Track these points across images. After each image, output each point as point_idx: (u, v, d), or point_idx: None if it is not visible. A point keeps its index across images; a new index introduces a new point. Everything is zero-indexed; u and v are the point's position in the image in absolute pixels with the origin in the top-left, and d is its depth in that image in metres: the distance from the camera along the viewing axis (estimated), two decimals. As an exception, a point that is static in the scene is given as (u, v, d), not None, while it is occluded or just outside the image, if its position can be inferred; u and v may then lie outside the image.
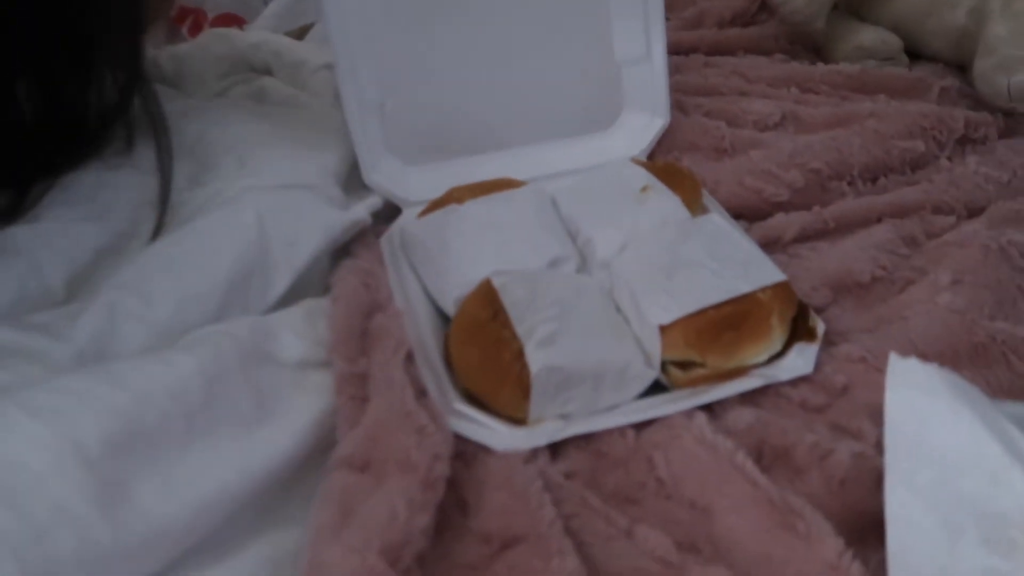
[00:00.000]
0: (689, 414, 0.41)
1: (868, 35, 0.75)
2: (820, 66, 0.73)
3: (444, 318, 0.49)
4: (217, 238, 0.44)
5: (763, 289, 0.44)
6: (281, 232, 0.46)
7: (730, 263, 0.46)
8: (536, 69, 0.61)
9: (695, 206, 0.53)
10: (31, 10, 0.42)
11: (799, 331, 0.45)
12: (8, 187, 0.46)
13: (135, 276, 0.41)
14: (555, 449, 0.41)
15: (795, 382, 0.43)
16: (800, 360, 0.44)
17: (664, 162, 0.57)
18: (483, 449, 0.40)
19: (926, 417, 0.33)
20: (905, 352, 0.44)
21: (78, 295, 0.42)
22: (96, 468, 0.30)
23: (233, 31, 0.70)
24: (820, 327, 0.45)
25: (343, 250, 0.53)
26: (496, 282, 0.46)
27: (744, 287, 0.44)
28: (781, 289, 0.45)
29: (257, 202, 0.47)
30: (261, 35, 0.70)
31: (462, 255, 0.50)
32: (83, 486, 0.30)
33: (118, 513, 0.30)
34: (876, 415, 0.41)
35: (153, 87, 0.50)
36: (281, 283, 0.46)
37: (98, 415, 0.32)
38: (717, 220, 0.49)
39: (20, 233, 0.43)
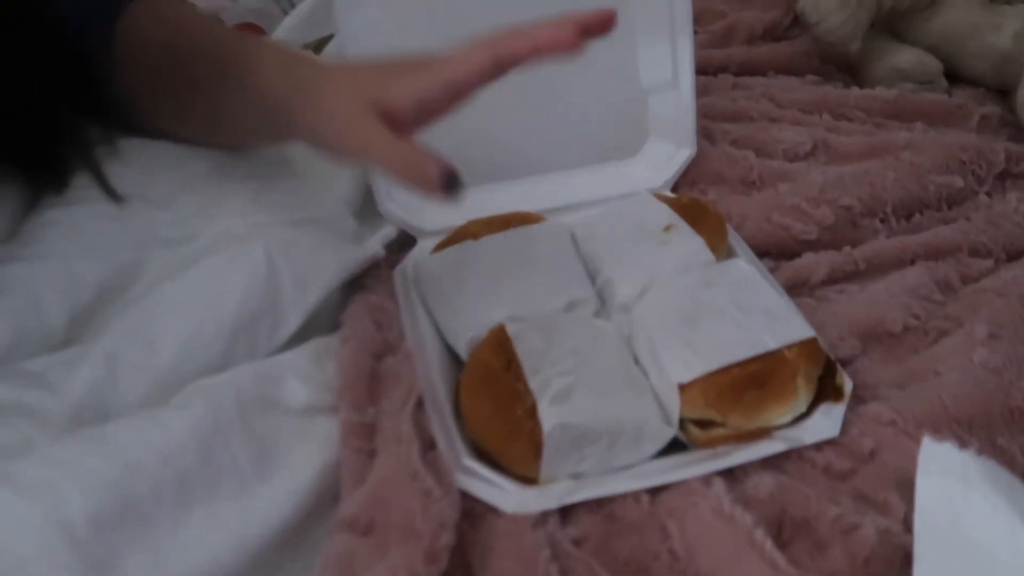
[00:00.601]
0: (707, 480, 0.39)
1: (906, 56, 0.72)
2: (855, 90, 0.70)
3: (457, 359, 0.47)
4: (224, 279, 0.43)
5: (789, 346, 0.43)
6: (292, 271, 0.45)
7: (755, 314, 0.44)
8: (558, 95, 0.59)
9: (720, 247, 0.51)
10: None
11: (825, 389, 0.43)
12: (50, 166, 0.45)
13: (138, 321, 0.40)
14: (565, 512, 0.39)
15: (820, 445, 0.42)
16: (826, 422, 0.42)
17: (689, 198, 0.55)
18: (491, 510, 0.39)
19: (960, 509, 0.31)
20: (937, 415, 0.43)
21: (79, 335, 0.41)
22: (82, 549, 0.29)
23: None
24: (848, 385, 0.43)
25: (355, 281, 0.52)
26: (511, 330, 0.44)
27: (770, 343, 0.43)
28: (808, 346, 0.43)
29: (268, 240, 0.45)
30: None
31: (477, 295, 0.48)
32: (69, 571, 0.29)
33: None
34: (904, 486, 0.39)
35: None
36: (292, 323, 0.45)
37: (87, 490, 0.31)
38: (743, 266, 0.47)
39: (20, 271, 0.42)
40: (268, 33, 0.77)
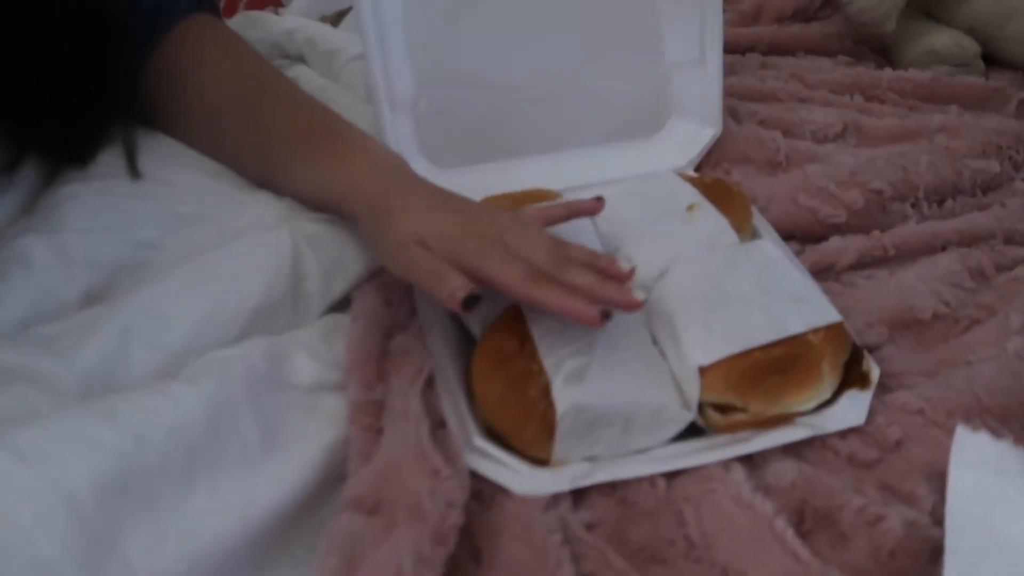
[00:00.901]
0: (726, 465, 0.38)
1: (941, 38, 0.70)
2: (887, 71, 0.68)
3: (470, 338, 0.46)
4: (249, 264, 0.42)
5: (815, 330, 0.41)
6: (319, 262, 0.45)
7: (780, 298, 0.43)
8: (579, 69, 0.58)
9: (744, 228, 0.49)
10: None
11: (851, 376, 0.42)
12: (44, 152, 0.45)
13: (155, 296, 0.40)
14: (578, 495, 0.38)
15: (844, 433, 0.40)
16: (851, 410, 0.40)
17: (713, 178, 0.53)
18: (501, 490, 0.38)
19: (995, 500, 0.30)
20: (969, 406, 0.41)
21: (92, 307, 0.40)
22: (85, 520, 0.28)
23: (268, 15, 0.68)
24: (875, 373, 0.42)
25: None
26: (525, 308, 0.43)
27: (794, 327, 0.41)
28: (834, 331, 0.41)
29: (296, 230, 0.45)
30: (296, 20, 0.67)
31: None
32: (69, 542, 0.28)
33: (105, 574, 0.28)
34: (933, 477, 0.37)
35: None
36: (313, 312, 0.45)
37: (93, 459, 0.30)
38: (768, 248, 0.45)
39: (37, 244, 0.41)
40: (285, 5, 0.75)
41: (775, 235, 0.51)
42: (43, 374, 0.35)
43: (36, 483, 0.28)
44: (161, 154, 0.47)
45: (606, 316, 0.38)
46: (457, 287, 0.39)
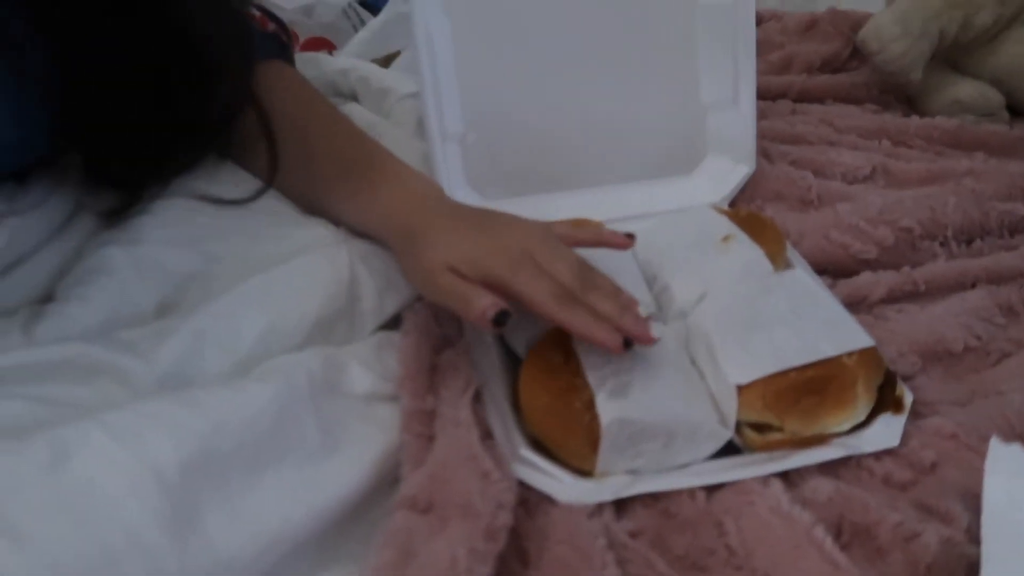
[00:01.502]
0: (764, 480, 0.39)
1: (967, 89, 0.72)
2: (915, 119, 0.70)
3: (515, 357, 0.48)
4: (311, 282, 0.45)
5: (849, 354, 0.42)
6: (375, 281, 0.47)
7: (814, 323, 0.44)
8: (620, 108, 0.61)
9: (778, 259, 0.51)
10: (154, 27, 0.44)
11: (885, 400, 0.43)
12: (123, 188, 0.48)
13: (228, 305, 0.42)
14: (620, 505, 0.40)
15: (879, 455, 0.41)
16: (886, 432, 0.42)
17: (747, 211, 0.55)
18: (547, 499, 0.39)
19: (1029, 510, 0.31)
20: (1002, 431, 0.42)
21: (167, 316, 0.43)
22: (172, 493, 0.31)
23: (323, 56, 0.72)
24: (908, 397, 0.43)
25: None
26: (569, 325, 0.45)
27: (829, 350, 0.42)
28: (868, 355, 0.43)
29: (354, 249, 0.48)
30: (350, 61, 0.71)
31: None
32: (157, 512, 0.30)
33: (187, 544, 0.30)
34: (968, 498, 0.38)
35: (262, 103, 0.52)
36: (367, 328, 0.47)
37: (178, 439, 0.32)
38: (801, 276, 0.47)
39: (117, 255, 0.44)
40: (338, 47, 0.80)
41: (808, 267, 0.52)
42: (125, 371, 0.37)
43: (128, 457, 0.31)
44: (230, 175, 0.50)
45: (627, 345, 0.40)
46: (486, 307, 0.40)
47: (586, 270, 0.43)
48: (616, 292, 0.43)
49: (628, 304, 0.42)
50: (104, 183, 0.49)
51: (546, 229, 0.45)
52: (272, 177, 0.51)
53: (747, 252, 0.50)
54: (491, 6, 0.58)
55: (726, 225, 0.52)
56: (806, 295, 0.46)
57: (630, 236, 0.47)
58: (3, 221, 0.46)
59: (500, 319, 0.41)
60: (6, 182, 0.48)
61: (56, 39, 0.43)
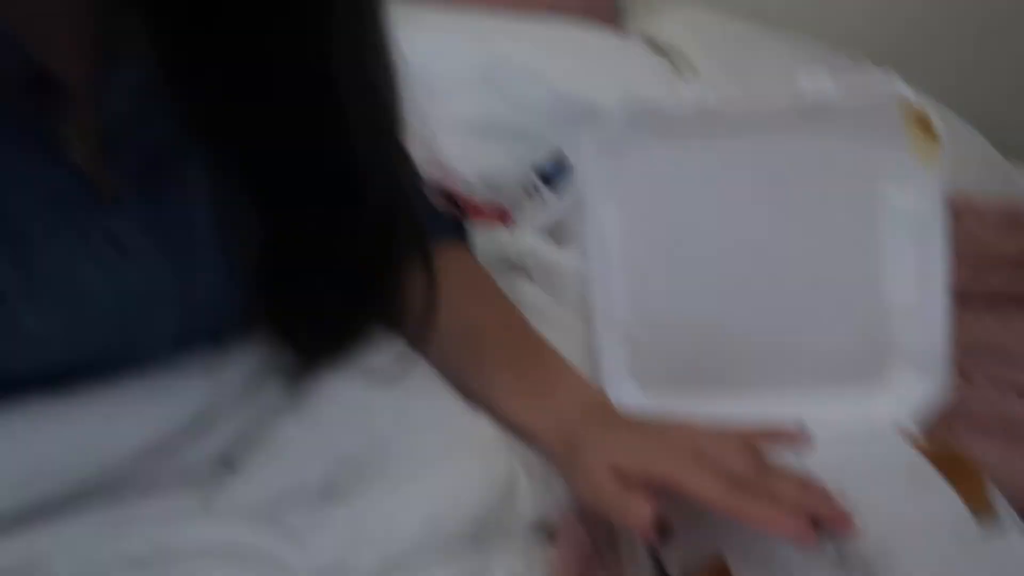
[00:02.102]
0: None
1: None
2: None
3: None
4: (470, 480, 0.45)
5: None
6: (531, 485, 0.47)
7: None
8: (795, 306, 0.58)
9: (981, 509, 0.45)
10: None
11: None
12: (304, 352, 0.50)
13: (387, 500, 0.44)
14: None
15: None
16: None
17: (942, 448, 0.50)
18: None
19: None
20: None
21: (330, 498, 0.44)
22: None
23: (499, 232, 0.75)
24: None
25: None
26: (731, 562, 0.41)
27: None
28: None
29: (515, 450, 0.48)
30: (525, 238, 0.74)
31: (688, 520, 0.46)
32: None
33: None
34: None
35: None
36: (518, 532, 0.47)
37: None
38: (1017, 546, 0.41)
39: (292, 431, 0.46)
40: (512, 219, 0.83)
41: (1016, 518, 0.46)
42: (283, 561, 0.39)
43: None
44: (391, 346, 0.52)
45: (818, 528, 0.35)
46: (646, 514, 0.38)
47: (761, 457, 0.40)
48: (800, 477, 0.39)
49: (815, 487, 0.39)
50: (288, 343, 0.52)
51: (715, 426, 0.43)
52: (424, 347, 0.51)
53: (943, 501, 0.44)
54: (664, 199, 0.58)
55: (917, 461, 0.47)
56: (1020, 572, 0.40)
57: (805, 432, 0.43)
58: (200, 384, 0.50)
59: (661, 533, 0.38)
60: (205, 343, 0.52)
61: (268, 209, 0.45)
